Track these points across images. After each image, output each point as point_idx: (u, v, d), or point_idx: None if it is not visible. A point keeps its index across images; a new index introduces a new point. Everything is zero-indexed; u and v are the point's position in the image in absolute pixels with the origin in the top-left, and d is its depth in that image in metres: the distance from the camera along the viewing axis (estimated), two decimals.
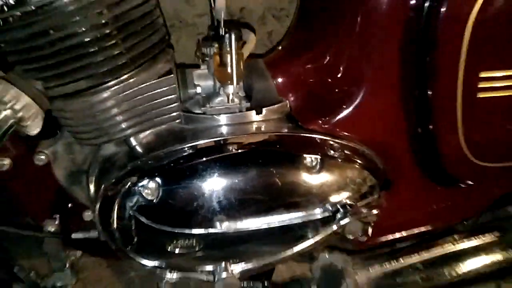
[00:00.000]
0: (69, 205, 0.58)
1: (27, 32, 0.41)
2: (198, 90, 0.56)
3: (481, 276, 0.67)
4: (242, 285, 0.55)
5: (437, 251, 0.63)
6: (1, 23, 0.41)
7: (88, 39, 0.42)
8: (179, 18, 1.29)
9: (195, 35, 1.33)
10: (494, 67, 0.50)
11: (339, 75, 0.54)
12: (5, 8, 0.40)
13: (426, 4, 0.48)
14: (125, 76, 0.46)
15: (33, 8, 0.40)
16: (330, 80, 0.55)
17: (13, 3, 0.40)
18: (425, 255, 0.63)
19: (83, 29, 0.41)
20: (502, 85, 0.50)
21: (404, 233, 0.64)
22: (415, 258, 0.62)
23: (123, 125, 0.48)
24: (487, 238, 0.66)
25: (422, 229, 0.65)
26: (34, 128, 0.46)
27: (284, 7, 1.41)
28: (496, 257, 0.66)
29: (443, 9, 0.47)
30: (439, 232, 0.66)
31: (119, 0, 0.43)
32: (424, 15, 0.49)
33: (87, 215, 0.59)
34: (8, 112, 0.44)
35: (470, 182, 0.59)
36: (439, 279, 0.62)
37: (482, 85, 0.50)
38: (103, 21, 0.42)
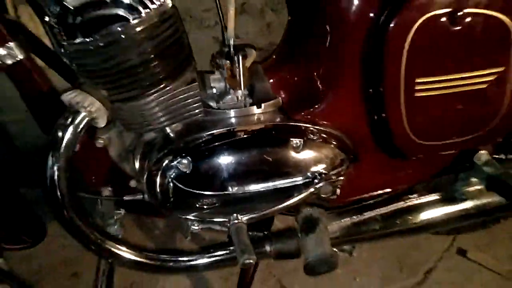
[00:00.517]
0: (120, 175, 0.79)
1: (98, 59, 0.60)
2: (214, 91, 0.76)
3: (429, 226, 0.89)
4: (248, 233, 0.77)
5: (392, 207, 0.85)
6: (81, 53, 0.60)
7: (137, 63, 0.61)
8: (188, 13, 1.48)
9: (203, 27, 1.52)
10: (427, 74, 0.69)
11: (315, 78, 0.74)
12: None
13: (380, 22, 0.67)
14: (162, 85, 0.65)
15: (103, 44, 0.58)
16: (309, 82, 0.75)
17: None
18: (383, 210, 0.85)
19: (134, 56, 0.60)
20: (434, 87, 0.70)
21: (368, 195, 0.86)
22: (375, 212, 0.84)
23: (161, 119, 0.68)
24: (432, 196, 0.88)
25: (382, 191, 0.86)
26: (102, 123, 0.66)
27: (281, 1, 1.58)
28: (440, 211, 0.88)
29: (390, 27, 0.66)
30: (396, 193, 0.88)
31: (158, 33, 0.61)
32: (377, 32, 0.67)
33: (133, 183, 0.79)
34: (86, 113, 0.64)
35: (415, 156, 0.80)
36: (393, 228, 0.85)
37: (418, 87, 0.69)
38: (148, 50, 0.61)
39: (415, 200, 0.86)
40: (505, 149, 0.90)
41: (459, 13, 0.64)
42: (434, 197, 0.87)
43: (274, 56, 0.83)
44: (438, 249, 1.19)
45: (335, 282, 1.11)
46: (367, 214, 0.83)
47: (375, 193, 0.86)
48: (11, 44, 0.65)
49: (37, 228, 0.83)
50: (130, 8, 0.57)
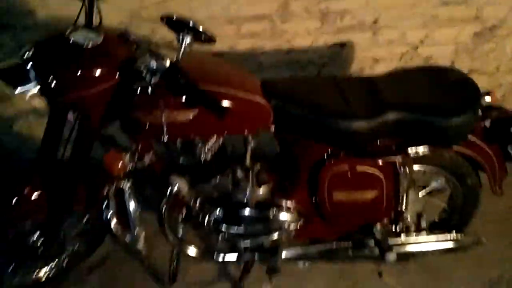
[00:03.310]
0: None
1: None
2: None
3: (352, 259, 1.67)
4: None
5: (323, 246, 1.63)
6: None
7: None
8: None
9: None
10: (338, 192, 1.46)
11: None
12: None
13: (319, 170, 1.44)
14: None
15: None
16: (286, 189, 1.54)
17: None
18: (319, 247, 1.63)
19: None
20: (341, 199, 1.47)
21: (310, 238, 1.64)
22: (316, 247, 1.63)
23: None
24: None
25: (319, 237, 1.64)
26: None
27: None
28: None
29: (321, 172, 1.43)
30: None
31: None
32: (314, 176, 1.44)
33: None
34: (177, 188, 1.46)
35: (336, 224, 1.57)
36: (322, 256, 1.63)
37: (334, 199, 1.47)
38: None
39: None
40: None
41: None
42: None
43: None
44: (367, 268, 1.93)
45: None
46: (312, 246, 1.62)
47: (315, 237, 1.64)
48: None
49: None
50: None
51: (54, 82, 1.08)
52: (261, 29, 1.96)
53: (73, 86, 1.11)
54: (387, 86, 1.40)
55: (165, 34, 1.85)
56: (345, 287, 1.84)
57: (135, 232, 1.27)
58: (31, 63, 1.07)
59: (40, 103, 2.04)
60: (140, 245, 1.29)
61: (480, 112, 1.42)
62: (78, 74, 1.11)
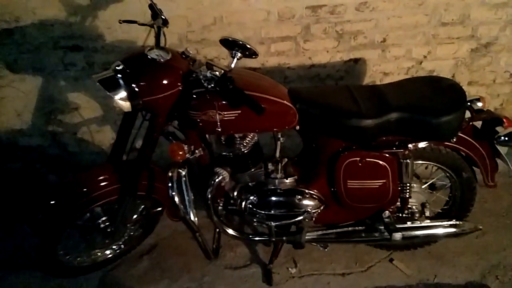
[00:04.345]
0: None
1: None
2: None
3: (363, 241, 1.96)
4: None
5: (342, 228, 1.92)
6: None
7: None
8: None
9: None
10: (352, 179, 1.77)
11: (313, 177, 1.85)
12: None
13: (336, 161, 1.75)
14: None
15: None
16: (311, 175, 1.86)
17: None
18: (338, 229, 1.92)
19: None
20: (355, 185, 1.78)
21: (330, 222, 1.94)
22: (334, 229, 1.92)
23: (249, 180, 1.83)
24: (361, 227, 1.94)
25: (337, 221, 1.94)
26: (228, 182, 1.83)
27: None
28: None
29: (338, 163, 1.74)
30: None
31: None
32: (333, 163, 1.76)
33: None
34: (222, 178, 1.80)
35: (350, 208, 1.86)
36: (342, 238, 1.93)
37: (348, 185, 1.78)
38: None
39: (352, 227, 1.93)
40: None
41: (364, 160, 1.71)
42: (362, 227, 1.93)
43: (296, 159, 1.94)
44: (379, 256, 2.21)
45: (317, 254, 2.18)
46: (330, 230, 1.92)
47: (333, 221, 1.94)
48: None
49: None
50: None
51: (137, 88, 1.45)
52: (287, 48, 2.27)
53: (149, 91, 1.48)
54: (390, 92, 1.72)
55: (206, 53, 2.23)
56: (360, 271, 2.12)
57: (189, 207, 1.60)
58: (120, 74, 1.44)
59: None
60: (193, 217, 1.62)
61: (468, 113, 1.72)
62: (153, 82, 1.48)
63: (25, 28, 2.12)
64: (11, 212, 2.47)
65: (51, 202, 1.72)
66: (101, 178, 1.75)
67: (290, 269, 2.13)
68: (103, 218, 1.89)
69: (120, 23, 1.64)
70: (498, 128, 1.73)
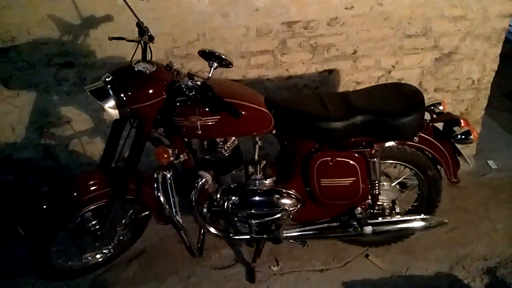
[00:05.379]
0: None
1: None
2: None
3: (340, 236, 2.11)
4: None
5: (318, 225, 2.07)
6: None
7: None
8: None
9: None
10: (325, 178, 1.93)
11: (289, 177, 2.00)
12: None
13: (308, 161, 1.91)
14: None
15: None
16: (286, 177, 2.01)
17: None
18: (315, 225, 2.07)
19: None
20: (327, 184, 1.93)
21: (307, 220, 2.08)
22: (311, 226, 2.07)
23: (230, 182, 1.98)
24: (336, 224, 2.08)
25: (313, 219, 2.08)
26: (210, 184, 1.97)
27: None
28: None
29: (310, 163, 1.90)
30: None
31: None
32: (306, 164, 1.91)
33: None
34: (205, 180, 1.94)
35: (324, 206, 2.01)
36: (319, 235, 2.07)
37: (321, 184, 1.93)
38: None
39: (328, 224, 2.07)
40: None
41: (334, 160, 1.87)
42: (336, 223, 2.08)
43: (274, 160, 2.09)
44: (356, 252, 2.34)
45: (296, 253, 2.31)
46: (308, 227, 2.06)
47: (310, 219, 2.08)
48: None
49: None
50: None
51: (125, 97, 1.60)
52: (266, 61, 2.44)
53: (136, 99, 1.63)
54: (357, 98, 1.89)
55: (191, 67, 2.40)
56: (338, 267, 2.26)
57: (175, 207, 1.74)
58: (109, 85, 1.59)
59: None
60: (178, 217, 1.75)
61: (428, 115, 1.90)
62: (140, 91, 1.63)
63: (20, 47, 2.27)
64: (4, 223, 2.56)
65: (44, 207, 1.82)
66: (91, 182, 1.87)
67: (272, 267, 2.25)
68: (93, 222, 2.00)
69: (110, 40, 1.80)
70: (456, 128, 1.90)
